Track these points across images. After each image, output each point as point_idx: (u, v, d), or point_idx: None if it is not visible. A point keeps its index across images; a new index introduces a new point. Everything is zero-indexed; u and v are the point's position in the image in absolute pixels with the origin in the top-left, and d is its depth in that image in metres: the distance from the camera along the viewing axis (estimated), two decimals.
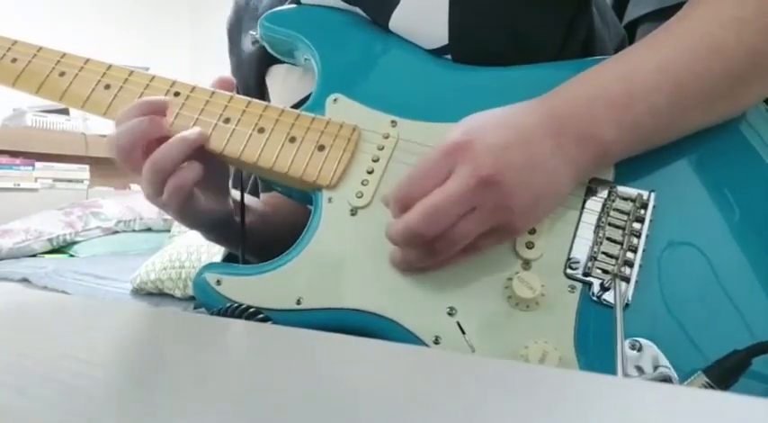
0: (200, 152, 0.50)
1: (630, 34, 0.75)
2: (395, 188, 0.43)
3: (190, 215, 0.53)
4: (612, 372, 0.38)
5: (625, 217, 0.45)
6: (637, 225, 0.45)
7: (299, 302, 0.45)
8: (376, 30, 0.56)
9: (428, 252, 0.43)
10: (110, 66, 0.55)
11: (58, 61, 0.55)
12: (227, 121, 0.51)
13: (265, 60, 0.64)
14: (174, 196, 0.49)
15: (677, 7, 0.48)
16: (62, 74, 0.55)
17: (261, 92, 0.65)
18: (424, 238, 0.41)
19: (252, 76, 0.65)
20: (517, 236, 0.44)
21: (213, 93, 0.53)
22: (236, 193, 0.58)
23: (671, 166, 0.47)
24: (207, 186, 0.53)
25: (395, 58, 0.55)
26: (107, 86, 0.54)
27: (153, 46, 3.34)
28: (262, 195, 0.71)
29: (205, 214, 0.54)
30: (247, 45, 0.66)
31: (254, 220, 0.60)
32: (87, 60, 0.56)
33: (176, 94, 0.53)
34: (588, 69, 0.45)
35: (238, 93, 0.54)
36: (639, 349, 0.40)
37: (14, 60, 0.56)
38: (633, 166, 0.46)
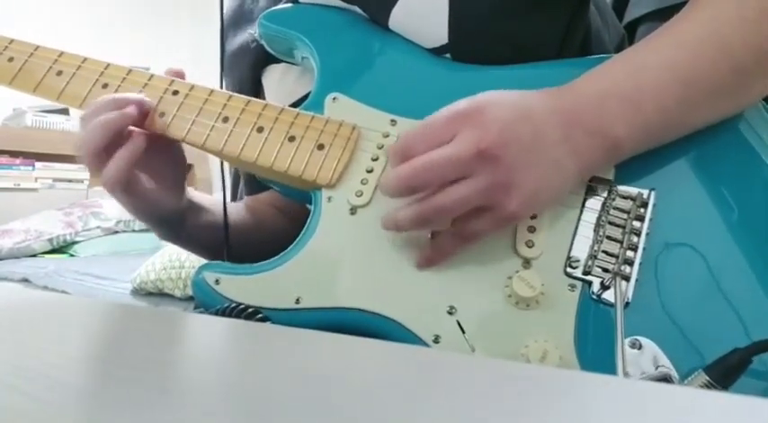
0: (154, 139, 0.51)
1: (630, 34, 0.75)
2: (397, 141, 0.43)
3: (137, 204, 0.52)
4: (612, 370, 0.38)
5: (625, 215, 0.45)
6: (637, 223, 0.45)
7: (298, 302, 0.45)
8: (375, 28, 0.56)
9: (417, 214, 0.42)
10: (108, 65, 0.55)
11: (56, 60, 0.55)
12: (225, 120, 0.51)
13: (261, 60, 0.64)
14: (116, 170, 0.48)
15: (677, 7, 0.48)
16: (59, 73, 0.55)
17: (255, 92, 0.65)
18: (410, 189, 0.42)
19: (247, 76, 0.65)
20: (515, 222, 0.44)
21: (212, 91, 0.53)
22: (192, 191, 0.59)
23: (670, 165, 0.47)
24: (159, 178, 0.53)
25: (394, 57, 0.55)
26: (105, 85, 0.54)
27: (153, 46, 3.33)
28: (246, 198, 0.71)
29: (154, 206, 0.53)
30: (241, 45, 0.66)
31: (215, 221, 0.60)
32: (85, 59, 0.55)
33: (175, 92, 0.53)
34: (597, 67, 0.46)
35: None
36: (639, 348, 0.40)
37: (11, 59, 0.56)
38: (633, 166, 0.46)
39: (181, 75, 0.55)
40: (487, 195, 0.41)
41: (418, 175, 0.41)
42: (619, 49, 0.65)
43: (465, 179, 0.40)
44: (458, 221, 0.43)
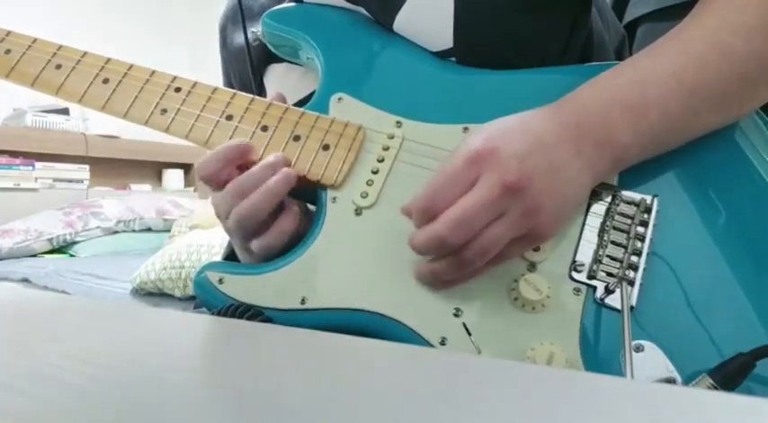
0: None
1: (630, 34, 0.75)
2: (417, 198, 0.42)
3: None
4: (617, 373, 0.38)
5: (629, 221, 0.45)
6: (641, 229, 0.45)
7: (303, 302, 0.45)
8: (380, 30, 0.56)
9: (457, 263, 0.42)
10: (108, 59, 0.54)
11: (55, 54, 0.54)
12: (229, 118, 0.51)
13: (263, 59, 0.64)
14: (263, 250, 0.48)
15: (677, 7, 0.48)
16: (58, 67, 0.54)
17: (258, 91, 0.65)
18: (452, 246, 0.41)
19: (248, 75, 0.65)
20: (546, 241, 0.44)
21: (215, 89, 0.53)
22: None
23: (672, 172, 0.47)
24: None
25: (399, 59, 0.55)
26: (105, 80, 0.53)
27: (152, 44, 3.34)
28: None
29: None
30: (241, 43, 0.66)
31: None
32: (85, 53, 0.54)
33: (177, 89, 0.52)
34: (601, 75, 0.46)
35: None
36: (643, 352, 0.40)
37: (8, 52, 0.54)
38: (636, 172, 0.46)
39: (282, 99, 0.54)
40: (522, 226, 0.41)
41: (455, 231, 0.40)
42: (619, 49, 0.65)
43: (499, 218, 0.40)
44: None
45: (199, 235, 1.75)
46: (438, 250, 0.42)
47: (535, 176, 0.40)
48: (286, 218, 0.48)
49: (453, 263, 0.42)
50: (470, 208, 0.40)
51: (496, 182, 0.40)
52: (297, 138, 0.50)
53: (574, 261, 0.44)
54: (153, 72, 0.53)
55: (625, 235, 0.45)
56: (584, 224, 0.46)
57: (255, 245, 0.48)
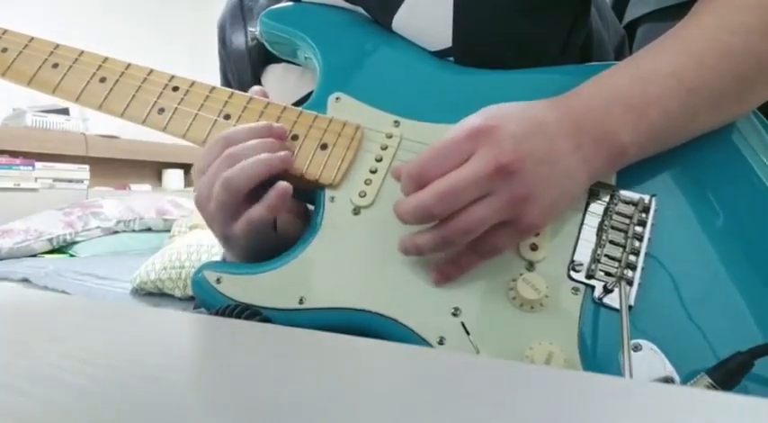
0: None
1: (630, 34, 0.75)
2: (410, 164, 0.42)
3: (256, 245, 0.49)
4: (615, 373, 0.38)
5: (627, 220, 0.45)
6: (639, 228, 0.45)
7: (301, 302, 0.45)
8: (378, 29, 0.56)
9: (439, 238, 0.42)
10: (105, 58, 0.54)
11: (51, 52, 0.54)
12: (227, 117, 0.51)
13: (261, 59, 0.64)
14: (250, 225, 0.46)
15: (677, 7, 0.48)
16: (55, 65, 0.54)
17: None
18: (434, 217, 0.41)
19: (247, 75, 0.65)
20: (533, 234, 0.44)
21: (213, 88, 0.53)
22: None
23: (670, 172, 0.48)
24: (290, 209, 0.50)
25: (397, 59, 0.55)
26: (102, 79, 0.53)
27: (152, 44, 3.33)
28: None
29: (277, 242, 0.50)
30: (240, 44, 0.66)
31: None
32: (82, 52, 0.54)
33: (175, 88, 0.52)
34: (601, 73, 0.46)
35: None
36: (641, 351, 0.40)
37: (5, 50, 0.54)
38: (634, 172, 0.46)
39: (265, 94, 0.54)
40: (508, 210, 0.41)
41: (441, 202, 0.40)
42: (619, 49, 0.65)
43: (486, 198, 0.40)
44: (478, 238, 0.42)
45: (199, 235, 1.74)
46: (421, 219, 0.42)
47: (530, 162, 0.40)
48: (273, 192, 0.45)
49: (435, 238, 0.42)
50: (459, 181, 0.40)
51: (490, 159, 0.40)
52: (295, 137, 0.50)
53: (572, 260, 0.44)
54: (150, 71, 0.53)
55: (623, 234, 0.45)
56: (582, 223, 0.46)
57: (241, 222, 0.46)
